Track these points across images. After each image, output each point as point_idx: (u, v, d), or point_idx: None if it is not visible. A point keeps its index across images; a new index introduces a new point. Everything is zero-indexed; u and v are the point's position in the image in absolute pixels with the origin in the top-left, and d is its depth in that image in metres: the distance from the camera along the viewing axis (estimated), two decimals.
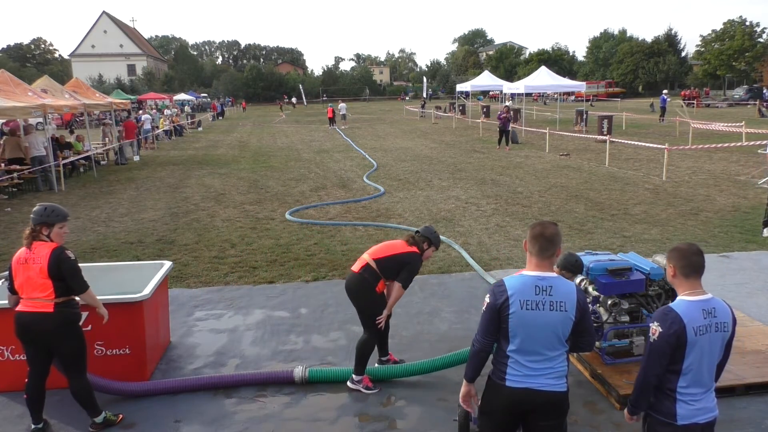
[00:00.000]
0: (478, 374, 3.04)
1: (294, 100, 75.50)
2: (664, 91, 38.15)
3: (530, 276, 2.86)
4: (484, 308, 2.93)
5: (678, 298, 2.81)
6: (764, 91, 35.21)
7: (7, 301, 4.33)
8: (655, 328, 2.74)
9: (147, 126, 26.63)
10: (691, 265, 2.78)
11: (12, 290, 4.19)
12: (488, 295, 2.92)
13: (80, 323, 4.28)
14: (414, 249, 4.70)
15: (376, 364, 5.06)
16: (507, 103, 33.52)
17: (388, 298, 4.75)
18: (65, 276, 4.08)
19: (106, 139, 22.55)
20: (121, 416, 4.44)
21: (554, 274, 2.89)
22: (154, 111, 40.66)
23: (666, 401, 2.79)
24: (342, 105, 40.11)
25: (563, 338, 2.88)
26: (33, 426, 4.25)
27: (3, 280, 4.63)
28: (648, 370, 2.77)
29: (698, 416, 2.77)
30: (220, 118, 51.78)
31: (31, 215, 4.20)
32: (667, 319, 2.71)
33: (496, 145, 22.30)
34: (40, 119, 17.44)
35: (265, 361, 5.35)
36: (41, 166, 15.20)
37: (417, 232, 4.85)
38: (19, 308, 4.14)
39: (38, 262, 4.05)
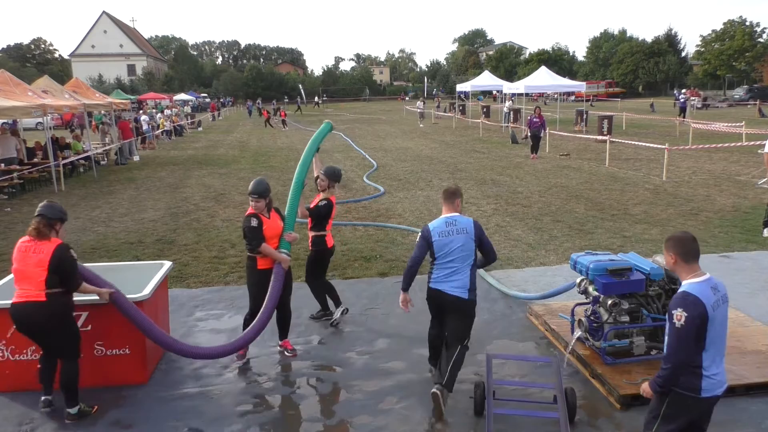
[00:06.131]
0: (410, 285, 4.53)
1: (285, 100, 74.30)
2: (683, 91, 37.71)
3: (443, 217, 4.50)
4: (418, 240, 4.54)
5: (686, 282, 3.11)
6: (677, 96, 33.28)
7: (7, 302, 4.34)
8: (680, 314, 2.98)
9: (144, 126, 26.56)
10: (692, 251, 3.14)
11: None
12: (420, 234, 4.52)
13: (73, 314, 4.42)
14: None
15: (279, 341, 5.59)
16: (508, 103, 33.44)
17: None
18: (64, 274, 4.20)
19: (107, 138, 22.50)
20: (95, 407, 4.50)
21: (457, 214, 4.48)
22: (155, 111, 40.60)
23: (691, 377, 3.07)
24: (419, 103, 39.53)
25: (470, 254, 4.39)
26: (43, 397, 4.47)
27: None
28: (680, 353, 3.02)
29: (717, 389, 3.11)
30: (221, 117, 51.72)
31: (49, 210, 4.29)
32: (688, 303, 2.99)
33: (531, 154, 19.03)
34: (40, 119, 17.36)
35: (265, 361, 5.35)
36: (10, 167, 14.86)
37: None
38: (13, 300, 4.25)
39: (40, 253, 4.15)
